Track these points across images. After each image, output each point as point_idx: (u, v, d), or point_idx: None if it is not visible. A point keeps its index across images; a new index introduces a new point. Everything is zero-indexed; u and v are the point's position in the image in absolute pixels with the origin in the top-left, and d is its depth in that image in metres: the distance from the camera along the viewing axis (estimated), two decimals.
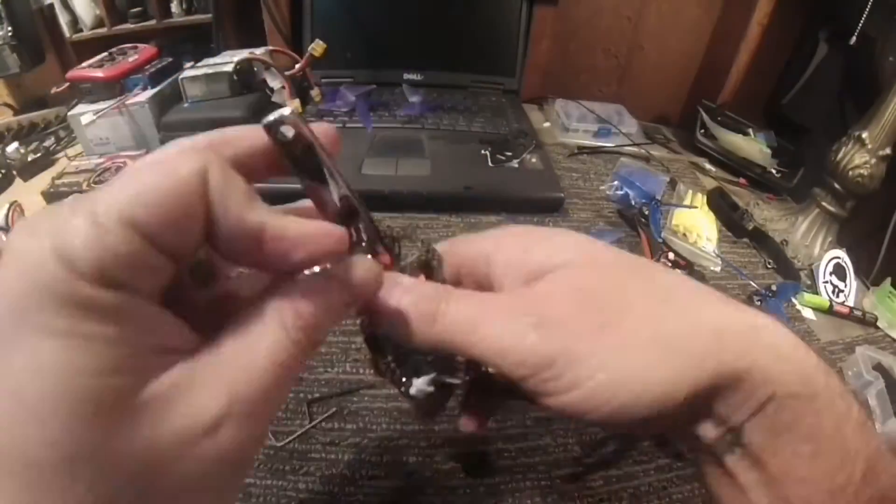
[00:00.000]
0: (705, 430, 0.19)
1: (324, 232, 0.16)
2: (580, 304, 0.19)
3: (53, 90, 0.68)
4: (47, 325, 0.12)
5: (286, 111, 0.16)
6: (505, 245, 0.21)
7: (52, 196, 0.56)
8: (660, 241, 0.54)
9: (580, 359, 0.18)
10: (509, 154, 0.64)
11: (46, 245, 0.12)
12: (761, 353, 0.18)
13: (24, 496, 0.12)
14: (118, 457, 0.12)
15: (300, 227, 0.16)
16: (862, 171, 0.60)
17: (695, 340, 0.18)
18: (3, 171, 0.64)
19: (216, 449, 0.14)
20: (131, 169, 0.15)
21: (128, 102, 0.63)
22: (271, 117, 0.16)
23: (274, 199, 0.17)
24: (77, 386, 0.12)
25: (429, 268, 0.21)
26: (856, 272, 0.62)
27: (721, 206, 0.66)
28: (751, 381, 0.18)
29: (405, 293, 0.19)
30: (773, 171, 0.77)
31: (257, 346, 0.15)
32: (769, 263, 0.61)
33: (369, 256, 0.19)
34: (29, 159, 0.67)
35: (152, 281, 0.14)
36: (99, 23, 0.83)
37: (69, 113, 0.64)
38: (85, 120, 0.62)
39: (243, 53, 0.66)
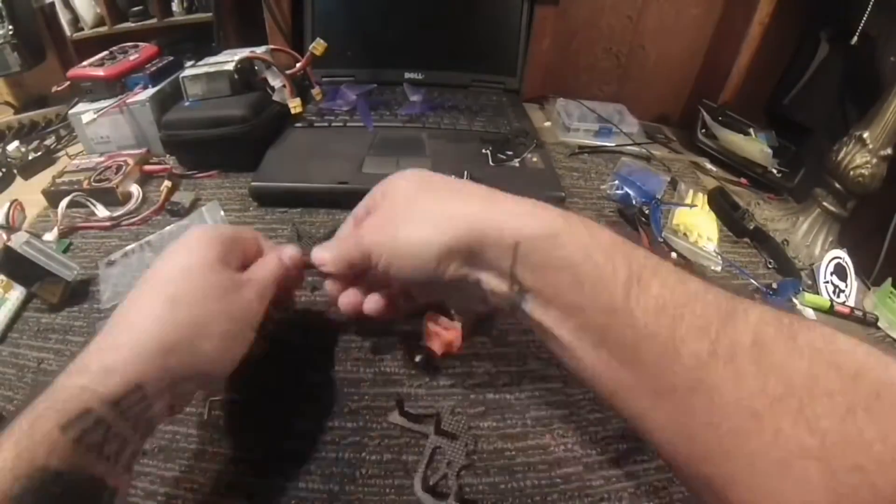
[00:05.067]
0: (492, 282, 0.28)
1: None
2: (385, 220, 0.31)
3: (54, 89, 0.68)
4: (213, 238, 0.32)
5: None
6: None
7: (53, 195, 0.56)
8: (660, 240, 0.54)
9: (379, 246, 0.30)
10: (510, 153, 0.64)
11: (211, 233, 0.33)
12: (498, 216, 0.26)
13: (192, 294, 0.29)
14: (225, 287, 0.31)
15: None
16: (863, 171, 0.60)
17: (447, 219, 0.28)
18: (3, 169, 0.64)
19: (249, 292, 0.32)
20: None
21: (128, 101, 0.63)
22: None
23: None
24: (220, 253, 0.32)
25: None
26: (857, 272, 0.62)
27: (722, 205, 0.66)
28: (493, 235, 0.26)
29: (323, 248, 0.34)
30: (774, 171, 0.77)
31: (268, 265, 0.35)
32: (770, 263, 0.61)
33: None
34: (30, 158, 0.67)
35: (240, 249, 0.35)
36: (100, 21, 0.83)
37: (70, 111, 0.64)
38: (86, 118, 0.62)
39: (244, 52, 0.66)
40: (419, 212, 0.29)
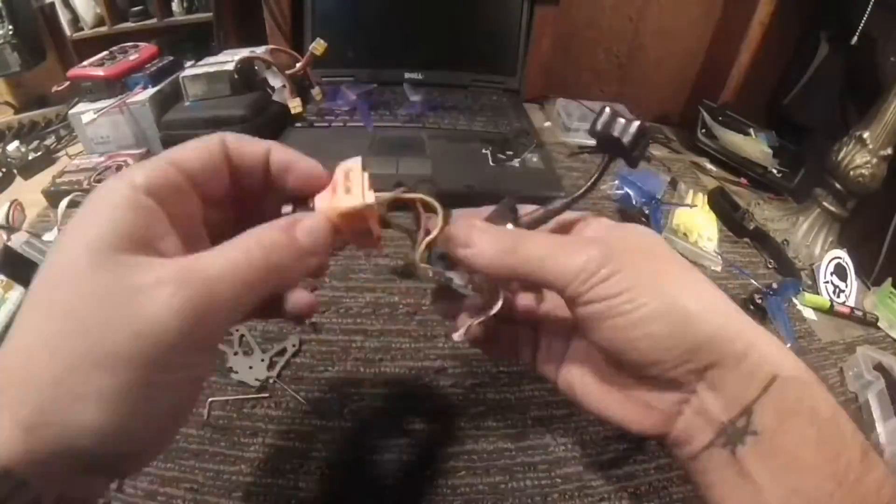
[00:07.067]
0: (710, 404, 0.21)
1: (310, 166, 0.23)
2: (635, 254, 0.22)
3: (54, 89, 0.68)
4: (117, 202, 0.18)
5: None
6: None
7: (53, 194, 0.56)
8: None
9: (627, 278, 0.20)
10: (510, 153, 0.64)
11: (125, 177, 0.19)
12: (762, 338, 0.21)
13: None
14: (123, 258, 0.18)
15: (290, 155, 0.24)
16: (863, 170, 0.60)
17: (722, 311, 0.21)
18: (3, 169, 0.64)
19: (157, 303, 0.17)
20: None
21: (128, 101, 0.62)
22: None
23: None
24: (122, 227, 0.18)
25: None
26: (857, 272, 0.62)
27: (722, 205, 0.66)
28: (752, 358, 0.20)
29: (484, 232, 0.23)
30: (774, 171, 0.77)
31: (219, 256, 0.19)
32: (770, 263, 0.61)
33: (321, 219, 0.21)
34: (30, 158, 0.67)
35: (182, 203, 0.21)
36: (100, 21, 0.83)
37: (70, 111, 0.64)
38: (85, 118, 0.62)
39: (244, 52, 0.66)
40: (693, 279, 0.22)
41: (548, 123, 0.83)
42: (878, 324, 0.56)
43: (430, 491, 0.34)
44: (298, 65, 0.69)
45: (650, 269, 0.21)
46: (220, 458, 0.35)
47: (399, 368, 0.41)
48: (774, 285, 0.50)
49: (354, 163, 0.23)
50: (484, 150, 0.65)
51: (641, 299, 0.20)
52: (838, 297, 0.59)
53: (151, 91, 0.64)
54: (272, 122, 0.64)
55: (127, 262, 0.17)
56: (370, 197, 0.21)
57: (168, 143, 0.62)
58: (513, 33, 0.82)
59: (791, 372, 0.20)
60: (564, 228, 0.25)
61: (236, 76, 0.63)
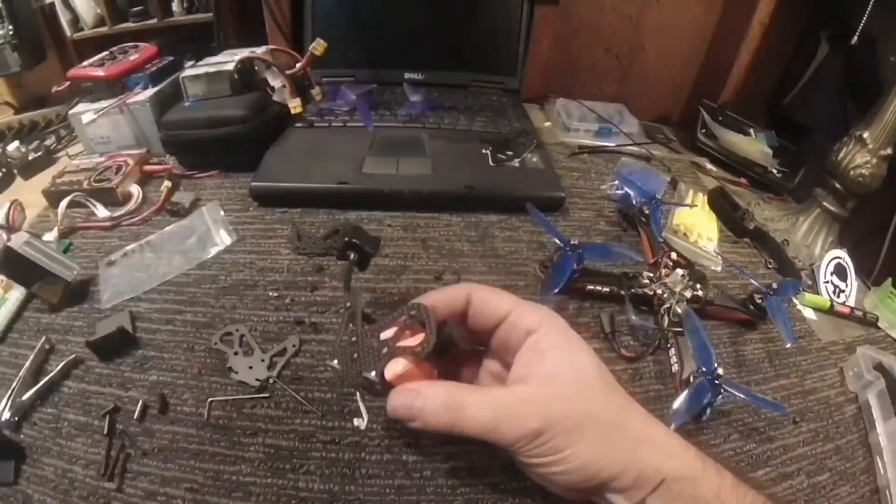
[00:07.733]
0: (618, 500, 0.28)
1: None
2: (568, 418, 0.28)
3: (54, 89, 0.68)
4: None
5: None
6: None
7: (53, 194, 0.56)
8: (660, 240, 0.54)
9: (557, 445, 0.27)
10: (510, 153, 0.64)
11: None
12: (654, 453, 0.28)
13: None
14: None
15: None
16: (863, 170, 0.60)
17: (625, 451, 0.28)
18: (3, 169, 0.65)
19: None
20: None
21: (128, 101, 0.63)
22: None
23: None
24: None
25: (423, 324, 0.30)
26: (857, 272, 0.62)
27: (722, 205, 0.66)
28: (647, 473, 0.28)
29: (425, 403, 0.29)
30: (774, 171, 0.77)
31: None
32: (770, 263, 0.61)
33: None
34: (30, 158, 0.67)
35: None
36: (100, 21, 0.84)
37: (70, 112, 0.64)
38: (86, 119, 0.62)
39: (244, 52, 0.66)
40: (603, 425, 0.28)
41: (548, 123, 0.83)
42: (878, 324, 0.56)
43: (431, 491, 0.34)
44: (298, 65, 0.69)
45: (577, 428, 0.27)
46: (220, 458, 0.35)
47: None
48: (774, 285, 0.50)
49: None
50: (484, 150, 0.65)
51: (566, 463, 0.27)
52: (838, 297, 0.59)
53: (151, 91, 0.64)
54: (272, 122, 0.64)
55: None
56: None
57: (168, 143, 0.62)
58: (513, 33, 0.82)
59: (678, 472, 0.28)
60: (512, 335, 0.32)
61: (236, 76, 0.63)
